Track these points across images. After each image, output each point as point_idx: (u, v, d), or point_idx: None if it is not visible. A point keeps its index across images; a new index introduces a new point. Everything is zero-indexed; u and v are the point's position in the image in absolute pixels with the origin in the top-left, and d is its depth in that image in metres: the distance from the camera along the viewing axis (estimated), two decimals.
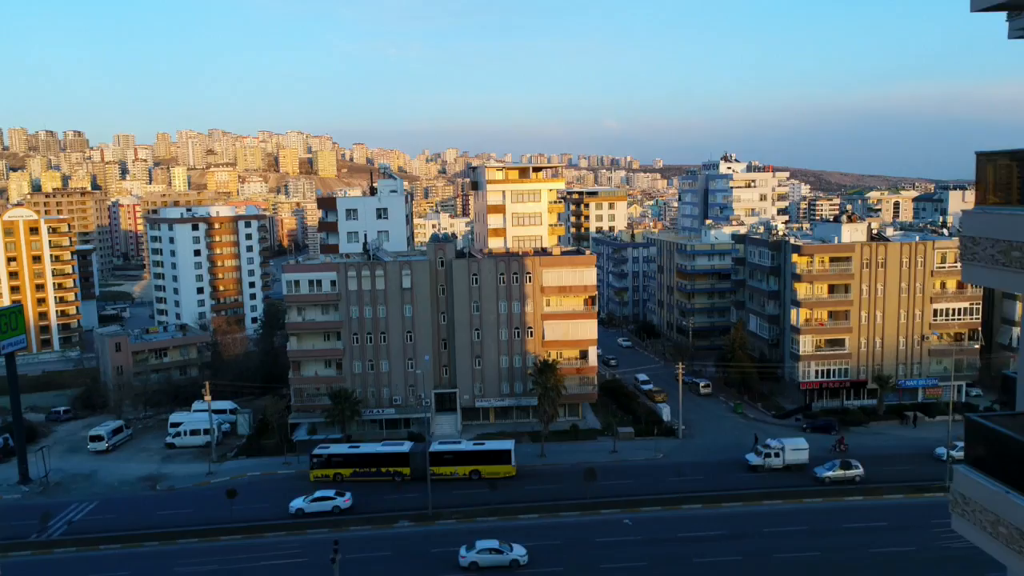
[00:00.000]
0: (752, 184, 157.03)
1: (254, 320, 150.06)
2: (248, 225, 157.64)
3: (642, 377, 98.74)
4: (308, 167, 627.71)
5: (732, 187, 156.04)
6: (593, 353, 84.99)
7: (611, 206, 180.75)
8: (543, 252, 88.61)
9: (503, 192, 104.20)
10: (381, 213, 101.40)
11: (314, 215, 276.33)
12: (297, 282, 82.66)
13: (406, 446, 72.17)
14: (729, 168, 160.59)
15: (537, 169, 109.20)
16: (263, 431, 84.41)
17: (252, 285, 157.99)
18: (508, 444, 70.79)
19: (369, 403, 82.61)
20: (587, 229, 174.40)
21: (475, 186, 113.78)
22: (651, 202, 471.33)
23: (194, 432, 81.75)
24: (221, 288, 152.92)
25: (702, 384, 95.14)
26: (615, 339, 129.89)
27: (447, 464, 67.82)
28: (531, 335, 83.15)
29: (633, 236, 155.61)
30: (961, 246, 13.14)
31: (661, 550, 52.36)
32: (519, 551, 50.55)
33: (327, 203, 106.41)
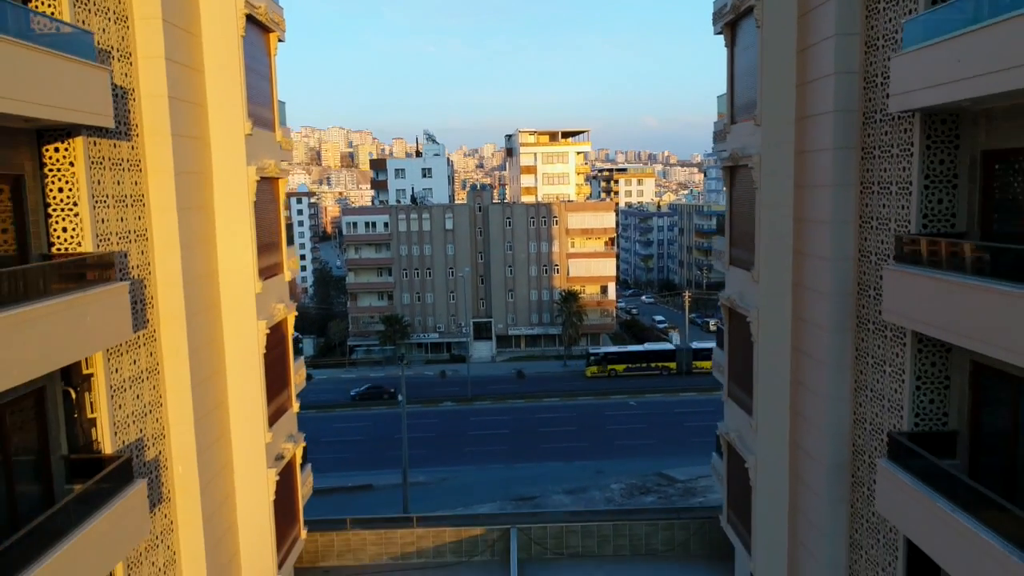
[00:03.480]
0: None
1: (304, 291, 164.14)
2: (300, 202, 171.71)
3: (658, 318, 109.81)
4: (349, 161, 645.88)
5: None
6: (612, 288, 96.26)
7: (639, 182, 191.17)
8: (569, 201, 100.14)
9: (534, 154, 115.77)
10: (426, 172, 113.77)
11: (356, 202, 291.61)
12: (355, 224, 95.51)
13: (670, 345, 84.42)
14: None
15: (566, 135, 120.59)
16: (325, 352, 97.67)
17: (303, 258, 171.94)
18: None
19: (416, 329, 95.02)
20: (617, 204, 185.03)
21: (509, 153, 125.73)
22: (686, 191, 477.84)
23: None
24: None
25: (712, 322, 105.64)
26: (639, 299, 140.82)
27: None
28: (557, 271, 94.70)
29: (659, 207, 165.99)
30: None
31: (658, 419, 63.67)
32: None
33: (378, 163, 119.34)
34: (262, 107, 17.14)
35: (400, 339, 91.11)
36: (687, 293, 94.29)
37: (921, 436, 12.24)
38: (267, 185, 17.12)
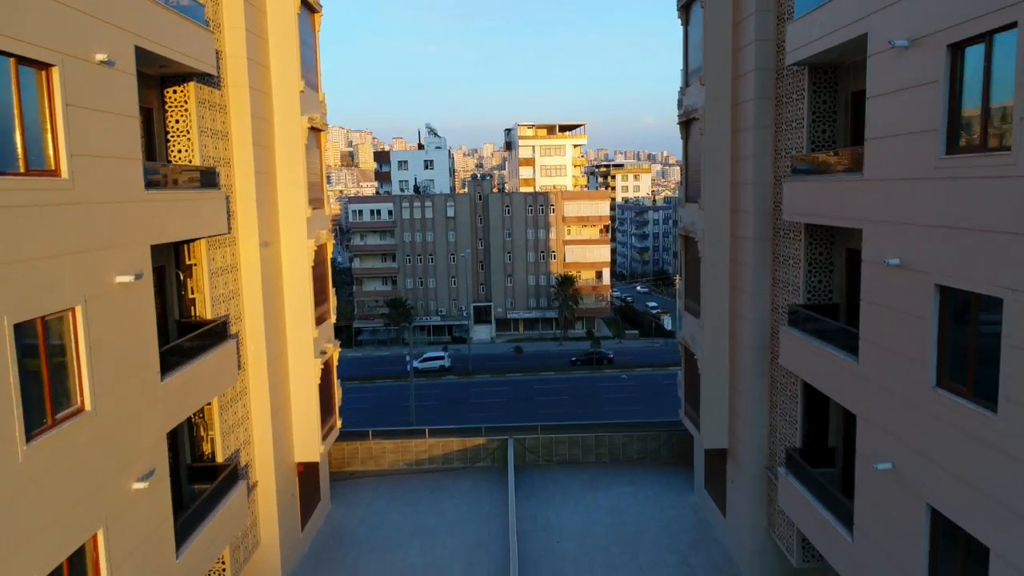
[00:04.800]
0: None
1: None
2: None
3: (651, 304, 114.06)
4: (349, 160, 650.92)
5: None
6: (607, 274, 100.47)
7: (636, 177, 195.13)
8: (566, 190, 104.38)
9: (533, 147, 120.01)
10: (428, 164, 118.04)
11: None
12: (360, 211, 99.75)
13: None
14: None
15: (563, 128, 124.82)
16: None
17: None
18: None
19: (418, 312, 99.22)
20: (614, 199, 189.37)
21: (509, 146, 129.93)
22: None
23: None
24: None
25: None
26: (634, 289, 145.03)
27: None
28: (554, 257, 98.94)
29: (655, 201, 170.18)
30: None
31: (648, 389, 67.95)
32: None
33: (382, 156, 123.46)
34: (309, 72, 21.35)
35: (404, 322, 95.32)
36: (678, 277, 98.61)
37: (812, 307, 16.52)
38: (313, 134, 21.36)
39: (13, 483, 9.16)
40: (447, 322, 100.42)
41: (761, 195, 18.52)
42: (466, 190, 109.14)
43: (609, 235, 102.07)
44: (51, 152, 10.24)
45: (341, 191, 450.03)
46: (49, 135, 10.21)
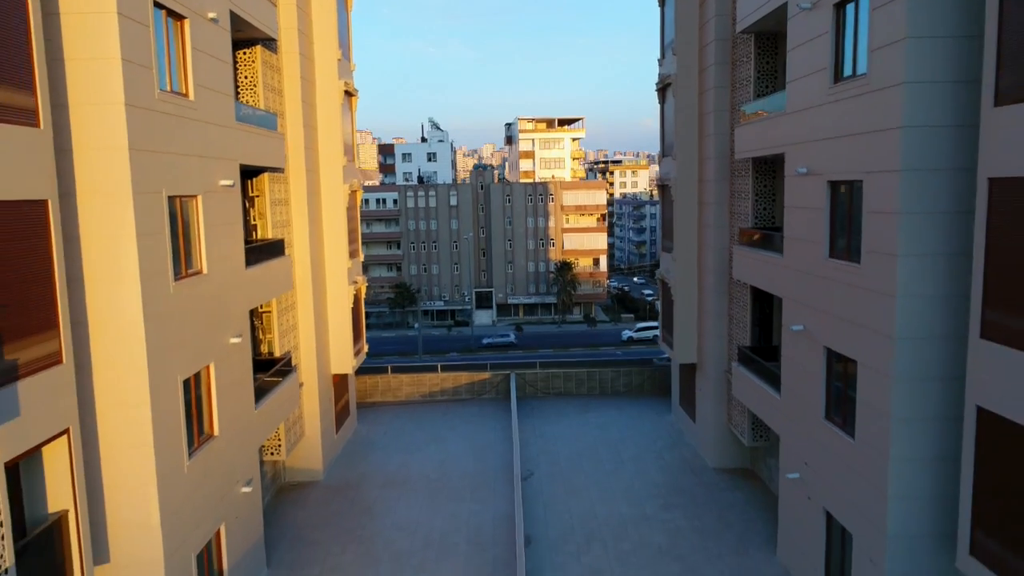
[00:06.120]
0: None
1: None
2: None
3: (647, 292, 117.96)
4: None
5: None
6: (604, 261, 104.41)
7: (634, 173, 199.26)
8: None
9: (532, 140, 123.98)
10: (431, 157, 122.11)
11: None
12: (367, 200, 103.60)
13: None
14: None
15: (562, 122, 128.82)
16: None
17: None
18: None
19: (423, 297, 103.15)
20: (612, 195, 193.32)
21: (509, 141, 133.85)
22: None
23: None
24: None
25: None
26: (631, 280, 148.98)
27: None
28: (553, 245, 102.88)
29: (651, 196, 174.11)
30: None
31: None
32: None
33: (387, 148, 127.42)
34: (343, 45, 25.27)
35: (409, 306, 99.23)
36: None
37: (757, 228, 20.43)
38: (347, 98, 25.28)
39: (166, 312, 13.04)
40: (450, 307, 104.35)
41: (721, 143, 22.47)
42: (468, 181, 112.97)
43: (606, 224, 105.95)
44: (184, 80, 14.16)
45: None
46: (182, 68, 14.13)
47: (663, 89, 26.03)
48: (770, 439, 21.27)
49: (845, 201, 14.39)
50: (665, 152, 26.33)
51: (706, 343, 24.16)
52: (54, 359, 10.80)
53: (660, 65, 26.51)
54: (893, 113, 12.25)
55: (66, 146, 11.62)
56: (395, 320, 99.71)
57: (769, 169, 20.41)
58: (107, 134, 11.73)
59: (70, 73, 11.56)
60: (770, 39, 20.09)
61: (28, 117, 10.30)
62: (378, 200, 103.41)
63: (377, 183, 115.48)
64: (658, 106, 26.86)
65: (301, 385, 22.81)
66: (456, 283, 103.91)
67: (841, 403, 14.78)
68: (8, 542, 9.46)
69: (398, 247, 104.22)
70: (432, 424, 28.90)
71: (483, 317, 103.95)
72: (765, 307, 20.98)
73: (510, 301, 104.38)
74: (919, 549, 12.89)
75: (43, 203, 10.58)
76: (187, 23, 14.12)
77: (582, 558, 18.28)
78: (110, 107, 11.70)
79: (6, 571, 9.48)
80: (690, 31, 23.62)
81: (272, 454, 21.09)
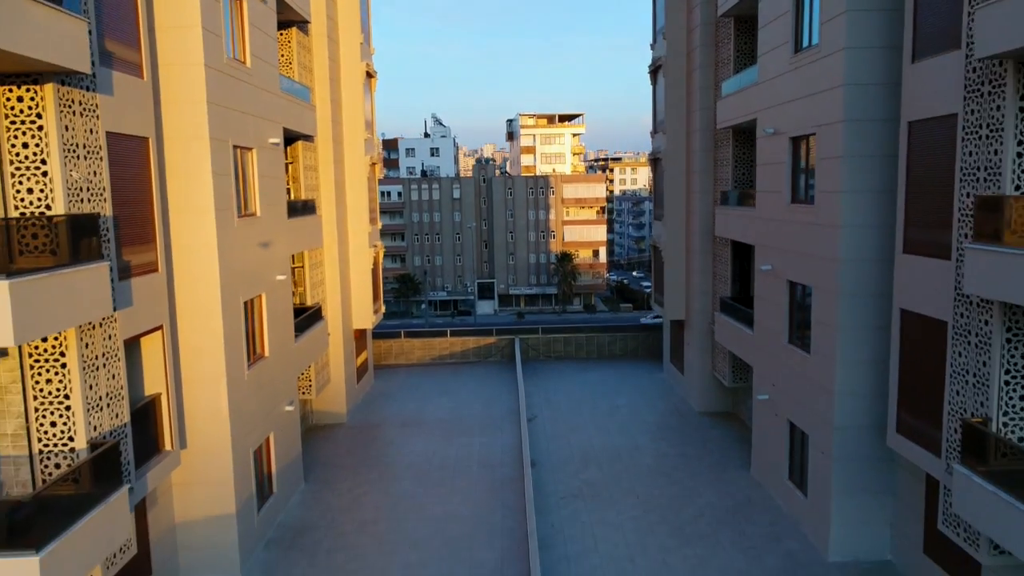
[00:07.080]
0: None
1: None
2: None
3: (645, 284, 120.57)
4: None
5: None
6: (603, 252, 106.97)
7: (634, 171, 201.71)
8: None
9: (533, 135, 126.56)
10: (433, 151, 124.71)
11: None
12: None
13: None
14: None
15: (563, 118, 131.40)
16: None
17: None
18: None
19: (426, 288, 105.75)
20: (612, 192, 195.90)
21: (510, 136, 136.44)
22: None
23: None
24: None
25: None
26: (631, 275, 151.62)
27: None
28: (554, 237, 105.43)
29: (650, 192, 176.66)
30: None
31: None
32: None
33: (390, 143, 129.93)
34: (364, 31, 27.82)
35: (412, 296, 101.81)
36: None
37: (736, 192, 22.98)
38: (367, 79, 27.84)
39: (232, 242, 15.59)
40: (453, 297, 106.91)
41: (705, 117, 25.02)
42: (471, 175, 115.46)
43: (605, 216, 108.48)
44: (243, 50, 16.70)
45: None
46: (242, 40, 16.67)
47: (655, 71, 28.58)
48: (748, 380, 23.83)
49: (803, 154, 16.94)
50: (656, 128, 28.88)
51: (693, 300, 26.71)
52: (152, 267, 13.37)
53: (652, 49, 29.06)
54: (837, 74, 14.81)
55: (157, 98, 14.18)
56: (400, 310, 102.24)
57: (747, 139, 22.93)
58: (190, 89, 14.28)
59: (160, 38, 14.12)
60: (747, 22, 22.62)
61: (136, 71, 12.85)
62: (383, 192, 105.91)
63: (382, 176, 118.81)
64: (651, 87, 29.41)
65: (328, 335, 25.35)
66: (459, 274, 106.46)
67: (800, 327, 17.34)
68: (125, 401, 12.02)
69: (402, 239, 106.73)
70: (443, 381, 31.47)
71: (485, 307, 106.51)
72: (744, 263, 23.52)
73: (512, 291, 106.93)
74: (860, 439, 15.45)
75: (145, 140, 13.14)
76: (245, 1, 16.67)
77: (580, 475, 20.84)
78: (193, 67, 14.26)
79: (125, 424, 12.03)
80: (678, 17, 26.17)
81: (304, 393, 23.65)
